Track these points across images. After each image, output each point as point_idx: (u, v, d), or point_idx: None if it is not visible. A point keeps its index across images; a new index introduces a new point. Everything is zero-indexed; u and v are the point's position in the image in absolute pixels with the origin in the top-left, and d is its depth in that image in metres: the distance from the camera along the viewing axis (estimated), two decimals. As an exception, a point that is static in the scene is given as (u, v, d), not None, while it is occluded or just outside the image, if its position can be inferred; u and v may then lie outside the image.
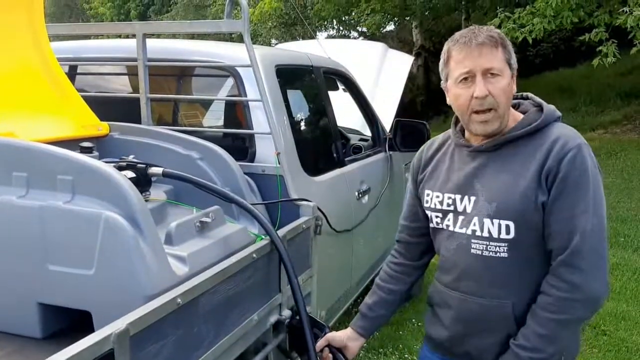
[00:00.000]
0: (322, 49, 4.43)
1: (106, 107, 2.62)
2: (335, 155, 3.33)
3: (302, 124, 3.29)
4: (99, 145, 2.30)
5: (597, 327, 4.09)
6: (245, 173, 2.40)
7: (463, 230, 1.69)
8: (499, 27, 9.13)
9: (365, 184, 3.51)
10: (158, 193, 2.12)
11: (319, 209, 2.42)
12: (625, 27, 7.72)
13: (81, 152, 1.96)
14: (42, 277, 1.65)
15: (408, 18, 17.59)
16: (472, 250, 1.67)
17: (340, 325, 3.81)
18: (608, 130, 11.72)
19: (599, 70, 8.76)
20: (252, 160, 2.60)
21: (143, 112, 2.62)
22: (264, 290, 1.99)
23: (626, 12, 7.64)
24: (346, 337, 1.95)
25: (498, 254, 1.63)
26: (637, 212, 7.00)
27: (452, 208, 1.73)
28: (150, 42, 2.67)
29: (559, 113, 1.68)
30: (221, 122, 2.98)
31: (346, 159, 3.45)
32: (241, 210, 2.20)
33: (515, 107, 1.73)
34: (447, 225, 1.74)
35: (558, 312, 1.55)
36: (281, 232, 2.06)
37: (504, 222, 1.61)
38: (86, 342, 1.20)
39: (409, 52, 12.83)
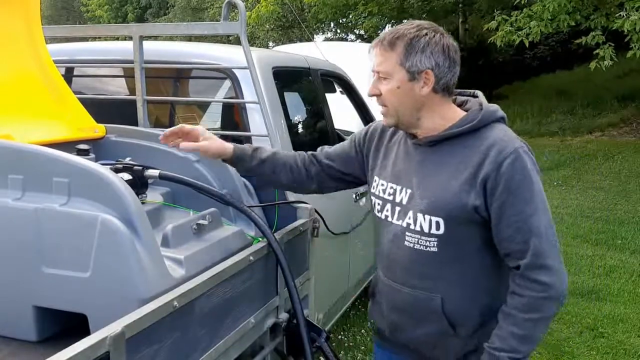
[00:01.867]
0: (319, 51, 4.43)
1: (103, 110, 2.61)
2: (332, 157, 3.31)
3: (300, 126, 3.29)
4: (95, 148, 2.29)
5: (595, 329, 4.10)
6: (242, 175, 2.40)
7: (399, 222, 1.74)
8: (497, 29, 9.18)
9: (362, 186, 3.50)
10: (155, 195, 2.11)
11: (316, 211, 2.41)
12: (622, 31, 7.75)
13: (77, 154, 1.95)
14: (38, 279, 1.65)
15: (405, 21, 17.64)
16: (406, 243, 1.72)
17: (338, 328, 3.81)
18: (605, 132, 11.76)
19: (596, 73, 8.79)
20: (249, 162, 2.59)
21: (140, 114, 2.62)
22: (261, 293, 1.98)
23: (623, 16, 7.66)
24: (219, 141, 1.92)
25: (428, 248, 1.69)
26: (634, 215, 7.01)
27: (391, 198, 1.78)
28: (147, 44, 2.67)
29: (500, 114, 1.70)
30: (218, 124, 2.97)
31: (343, 162, 3.43)
32: (238, 213, 2.19)
33: (463, 104, 1.76)
34: (386, 216, 1.79)
35: (533, 312, 1.59)
36: (278, 234, 2.05)
37: (434, 219, 1.66)
38: (82, 345, 1.19)
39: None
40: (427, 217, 1.67)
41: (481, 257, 1.69)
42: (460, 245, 1.67)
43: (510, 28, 8.98)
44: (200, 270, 1.72)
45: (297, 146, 2.76)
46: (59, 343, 1.37)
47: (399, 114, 1.69)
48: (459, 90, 1.78)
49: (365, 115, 4.19)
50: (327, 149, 2.04)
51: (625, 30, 7.65)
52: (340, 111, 4.01)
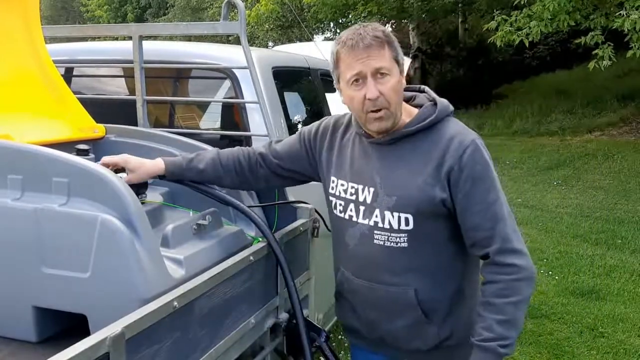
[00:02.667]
0: (319, 51, 4.43)
1: (102, 110, 2.61)
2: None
3: (299, 126, 3.28)
4: (95, 148, 2.29)
5: (595, 329, 4.09)
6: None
7: (366, 221, 1.75)
8: (496, 29, 9.17)
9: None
10: (154, 195, 2.11)
11: (316, 211, 2.41)
12: (622, 30, 7.75)
13: (77, 154, 1.95)
14: (37, 280, 1.64)
15: (405, 20, 17.64)
16: (375, 241, 1.74)
17: (338, 328, 3.80)
18: (605, 132, 11.75)
19: (596, 72, 8.79)
20: (249, 162, 2.59)
21: (139, 114, 2.62)
22: (261, 293, 1.98)
23: (623, 15, 7.66)
24: (151, 161, 1.92)
25: (399, 244, 1.71)
26: (634, 214, 7.01)
27: (354, 198, 1.78)
28: (147, 44, 2.67)
29: (451, 108, 1.74)
30: (218, 124, 2.97)
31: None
32: (238, 213, 2.19)
33: (410, 99, 1.77)
34: (350, 216, 1.80)
35: (511, 295, 1.62)
36: (278, 234, 2.05)
37: (403, 215, 1.68)
38: (81, 345, 1.19)
39: (406, 54, 12.84)
40: (396, 214, 1.69)
41: (449, 246, 1.73)
42: (429, 238, 1.71)
43: (510, 28, 8.97)
44: (200, 271, 1.72)
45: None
46: (59, 343, 1.37)
47: (396, 113, 1.68)
48: (406, 85, 1.76)
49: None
50: (275, 145, 2.00)
51: (625, 30, 7.64)
52: (340, 111, 4.00)
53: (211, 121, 3.16)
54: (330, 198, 1.87)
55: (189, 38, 3.70)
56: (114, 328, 1.26)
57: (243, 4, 2.33)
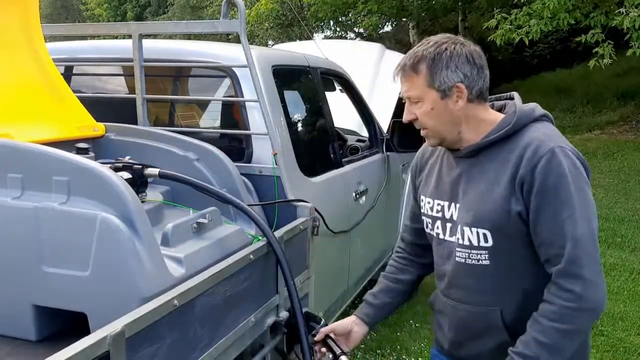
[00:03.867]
0: (319, 49, 4.43)
1: (102, 108, 2.61)
2: (332, 156, 3.32)
3: (299, 124, 3.28)
4: (95, 146, 2.29)
5: (595, 327, 4.09)
6: (242, 174, 2.40)
7: (452, 238, 1.70)
8: (496, 28, 9.17)
9: (362, 184, 3.51)
10: (154, 194, 2.11)
11: (316, 210, 2.41)
12: (622, 28, 7.74)
13: (77, 153, 1.95)
14: (37, 278, 1.64)
15: (405, 19, 17.61)
16: (457, 258, 1.68)
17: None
18: (605, 130, 11.75)
19: (596, 71, 8.79)
20: (249, 161, 2.59)
21: (139, 112, 2.61)
22: (261, 292, 1.98)
23: (622, 13, 7.65)
24: (351, 322, 1.93)
25: (480, 261, 1.64)
26: (634, 213, 7.01)
27: (440, 215, 1.74)
28: (147, 43, 2.66)
29: (538, 113, 1.64)
30: (218, 123, 2.97)
31: (343, 160, 3.44)
32: (238, 211, 2.19)
33: (502, 108, 1.72)
34: (437, 233, 1.76)
35: (561, 322, 1.51)
36: (278, 233, 2.05)
37: (481, 231, 1.62)
38: (81, 344, 1.19)
39: (406, 53, 12.80)
40: (474, 229, 1.62)
41: (532, 264, 1.61)
42: (511, 255, 1.61)
43: (510, 26, 8.97)
44: (200, 269, 1.72)
45: (296, 144, 2.76)
46: (59, 342, 1.36)
47: (441, 133, 1.66)
48: (496, 95, 1.74)
49: (365, 114, 4.18)
50: (406, 222, 2.02)
51: (625, 28, 7.64)
52: (340, 109, 4.00)
53: (211, 120, 3.16)
54: (422, 217, 1.84)
55: (188, 36, 3.69)
56: (114, 326, 1.26)
57: (243, 2, 2.33)
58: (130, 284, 1.56)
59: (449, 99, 1.60)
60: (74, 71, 3.00)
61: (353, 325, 1.92)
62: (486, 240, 1.61)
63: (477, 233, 1.62)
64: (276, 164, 2.43)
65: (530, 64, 17.62)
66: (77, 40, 3.32)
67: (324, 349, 1.91)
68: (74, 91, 2.44)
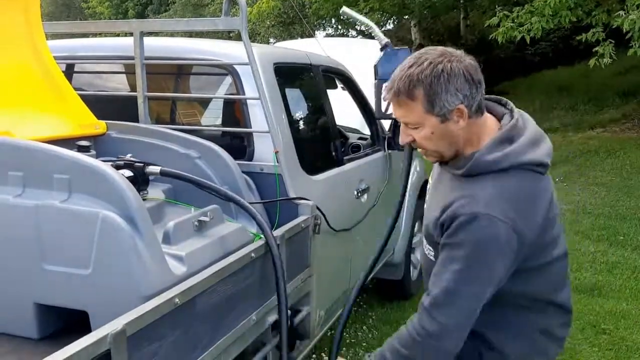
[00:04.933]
0: (320, 47, 4.42)
1: (104, 106, 2.61)
2: (334, 153, 3.31)
3: (301, 122, 3.28)
4: (96, 144, 2.29)
5: (597, 325, 4.09)
6: (243, 172, 2.39)
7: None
8: (498, 25, 9.15)
9: (364, 183, 3.50)
10: (156, 192, 2.11)
11: (317, 208, 2.40)
12: (623, 28, 7.72)
13: (78, 150, 1.95)
14: (39, 277, 1.64)
15: (406, 17, 17.59)
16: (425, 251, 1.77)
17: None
18: (607, 128, 11.72)
19: (597, 69, 8.75)
20: (250, 158, 2.59)
21: (140, 110, 2.61)
22: (263, 290, 1.97)
23: (622, 14, 7.63)
24: None
25: (429, 256, 1.71)
26: (636, 211, 7.00)
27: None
28: (148, 40, 2.66)
29: (500, 166, 1.53)
30: (219, 121, 2.96)
31: (345, 158, 3.43)
32: (240, 209, 2.18)
33: (503, 117, 1.65)
34: (422, 243, 1.82)
35: (403, 345, 1.59)
36: (279, 231, 2.05)
37: (428, 246, 1.72)
38: (83, 342, 1.19)
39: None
40: (426, 243, 1.73)
41: None
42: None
43: (512, 24, 8.95)
44: (201, 267, 1.71)
45: (298, 142, 2.75)
46: (60, 340, 1.37)
47: (440, 153, 1.63)
48: (496, 97, 1.69)
49: (367, 112, 4.18)
50: None
51: (626, 28, 7.62)
52: (342, 107, 3.99)
53: (212, 117, 3.16)
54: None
55: (190, 34, 3.69)
56: (115, 325, 1.26)
57: (244, 0, 2.32)
58: (132, 282, 1.56)
59: (449, 122, 1.53)
60: (76, 69, 3.00)
61: None
62: (434, 257, 1.66)
63: (428, 248, 1.71)
64: (278, 162, 2.43)
65: (532, 61, 17.59)
66: (78, 38, 3.32)
67: None
68: (76, 89, 2.44)
